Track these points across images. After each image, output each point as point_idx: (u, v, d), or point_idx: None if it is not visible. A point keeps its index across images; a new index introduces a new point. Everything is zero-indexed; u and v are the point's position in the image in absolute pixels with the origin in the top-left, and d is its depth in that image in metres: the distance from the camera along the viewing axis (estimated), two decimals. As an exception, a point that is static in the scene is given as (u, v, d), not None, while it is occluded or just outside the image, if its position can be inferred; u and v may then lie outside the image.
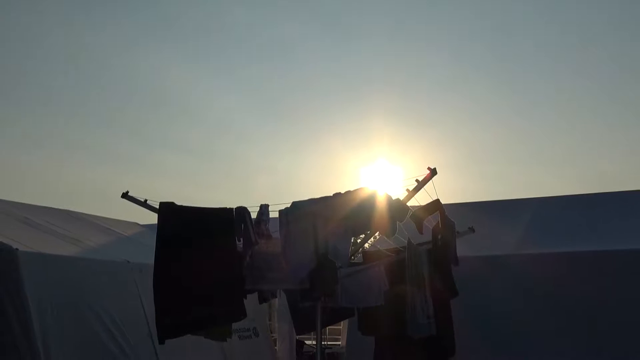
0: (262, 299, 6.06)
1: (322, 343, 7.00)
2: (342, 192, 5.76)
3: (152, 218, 5.85)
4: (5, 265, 5.98)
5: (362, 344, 7.07)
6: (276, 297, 6.77)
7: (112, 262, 7.47)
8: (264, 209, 5.88)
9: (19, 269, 5.98)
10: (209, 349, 7.57)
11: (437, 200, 6.05)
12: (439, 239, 6.18)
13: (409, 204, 5.95)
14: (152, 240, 5.62)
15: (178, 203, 5.72)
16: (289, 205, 5.68)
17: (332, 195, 5.77)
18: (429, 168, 5.86)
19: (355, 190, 5.75)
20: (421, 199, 6.05)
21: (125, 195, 5.94)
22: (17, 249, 6.07)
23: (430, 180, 5.90)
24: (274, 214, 5.79)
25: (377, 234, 6.35)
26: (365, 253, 7.00)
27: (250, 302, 5.90)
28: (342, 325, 10.46)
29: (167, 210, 5.66)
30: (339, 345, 10.90)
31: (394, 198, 5.78)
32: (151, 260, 5.56)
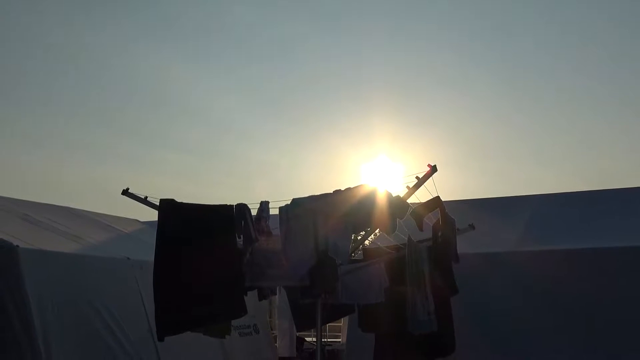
0: (262, 295, 6.07)
1: (323, 340, 7.01)
2: (343, 189, 5.76)
3: (153, 215, 5.86)
4: (6, 262, 5.98)
5: (362, 340, 7.07)
6: (275, 294, 6.79)
7: (112, 259, 7.47)
8: (264, 205, 5.88)
9: (19, 265, 5.98)
10: (209, 345, 7.58)
11: (438, 197, 6.05)
12: (439, 236, 6.18)
13: (410, 201, 5.95)
14: (152, 238, 5.62)
15: (178, 200, 5.72)
16: (289, 202, 5.68)
17: (332, 192, 5.76)
18: (429, 165, 5.87)
19: (355, 187, 5.75)
20: (421, 196, 6.06)
21: (125, 192, 5.94)
22: (17, 245, 6.07)
23: (431, 177, 5.91)
24: (274, 210, 5.79)
25: (377, 231, 6.34)
26: (365, 250, 6.99)
27: (251, 299, 5.90)
28: (343, 322, 10.48)
29: (167, 207, 5.66)
30: (339, 342, 10.91)
31: (394, 195, 5.78)
32: (151, 257, 5.56)
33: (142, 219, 10.69)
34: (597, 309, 7.44)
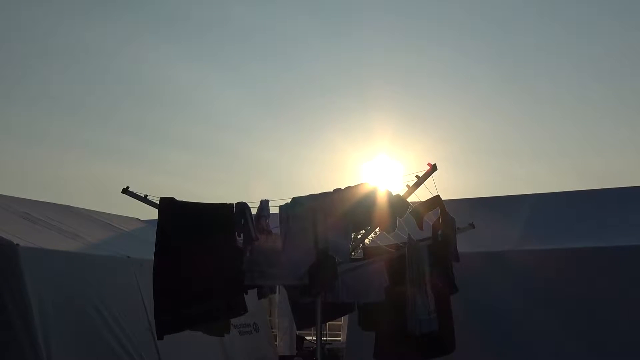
0: (261, 294, 6.07)
1: (323, 338, 7.01)
2: (343, 187, 5.76)
3: (153, 213, 5.86)
4: (6, 260, 5.99)
5: (362, 339, 7.07)
6: (275, 292, 6.79)
7: (112, 258, 7.48)
8: (264, 204, 5.88)
9: (19, 264, 5.99)
10: (209, 344, 7.59)
11: (437, 196, 6.05)
12: (439, 235, 6.18)
13: (410, 199, 5.95)
14: (152, 236, 5.62)
15: (178, 198, 5.72)
16: (289, 201, 5.68)
17: (332, 191, 5.76)
18: (429, 164, 5.87)
19: (355, 186, 5.75)
20: (421, 195, 6.06)
21: (125, 191, 5.94)
22: (17, 244, 6.08)
23: (431, 176, 5.91)
24: (274, 209, 5.79)
25: (377, 229, 6.35)
26: (365, 249, 6.99)
27: (251, 297, 5.91)
28: (343, 321, 10.48)
29: (167, 206, 5.66)
30: (340, 340, 10.92)
31: (394, 194, 5.78)
32: (152, 256, 5.56)
33: (142, 218, 10.71)
34: (598, 308, 7.42)
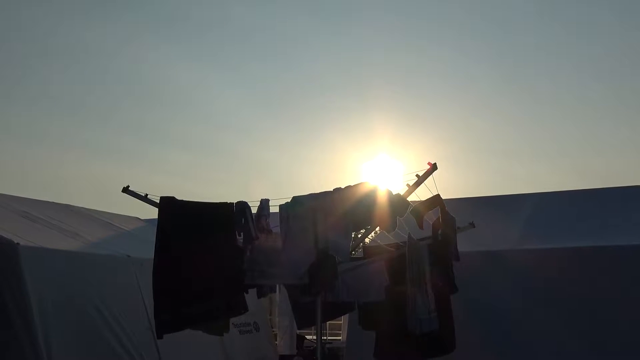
0: (261, 293, 6.07)
1: (323, 338, 7.01)
2: (343, 187, 5.75)
3: (153, 213, 5.86)
4: (6, 259, 5.99)
5: (362, 338, 7.07)
6: (275, 291, 6.78)
7: (113, 257, 7.48)
8: (264, 203, 5.88)
9: (19, 263, 5.99)
10: (209, 343, 7.59)
11: (438, 195, 6.05)
12: (439, 234, 6.18)
13: (410, 199, 5.95)
14: (152, 235, 5.62)
15: (178, 198, 5.72)
16: (289, 200, 5.68)
17: (332, 190, 5.76)
18: (429, 163, 5.86)
19: (355, 185, 5.75)
20: (422, 194, 6.06)
21: (125, 190, 5.94)
22: (18, 243, 6.08)
23: (431, 175, 5.90)
24: (274, 208, 5.79)
25: (377, 229, 6.35)
26: (365, 248, 6.99)
27: (251, 296, 5.91)
28: (343, 320, 10.48)
29: (167, 205, 5.66)
30: (340, 340, 10.92)
31: (394, 193, 5.78)
32: (152, 255, 5.56)
33: (142, 217, 10.70)
34: (599, 307, 7.41)
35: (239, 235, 5.68)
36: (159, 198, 5.74)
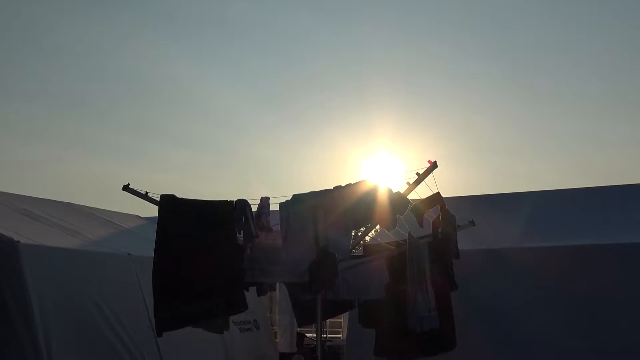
0: (261, 291, 6.07)
1: (323, 336, 7.02)
2: (343, 185, 5.75)
3: (153, 211, 5.86)
4: (7, 257, 5.99)
5: (362, 336, 7.07)
6: (275, 289, 6.78)
7: (113, 255, 7.48)
8: (264, 201, 5.88)
9: (20, 261, 5.99)
10: (209, 341, 7.59)
11: (438, 194, 6.05)
12: (439, 232, 6.18)
13: (410, 197, 5.94)
14: (153, 233, 5.62)
15: (179, 195, 5.72)
16: (289, 198, 5.68)
17: (332, 188, 5.76)
18: (429, 161, 5.86)
19: (355, 183, 5.75)
20: (422, 192, 6.05)
21: (126, 188, 5.94)
22: (18, 241, 6.08)
23: (431, 173, 5.90)
24: (274, 206, 5.79)
25: (377, 227, 6.35)
26: (365, 246, 6.99)
27: (251, 294, 5.91)
28: (343, 318, 10.48)
29: (167, 203, 5.66)
30: (340, 338, 10.92)
31: (394, 191, 5.78)
32: (152, 253, 5.56)
33: (142, 215, 10.70)
34: (599, 305, 7.40)
35: (239, 234, 5.68)
36: (159, 196, 5.74)
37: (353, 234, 6.10)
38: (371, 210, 5.67)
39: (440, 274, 6.19)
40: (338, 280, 5.84)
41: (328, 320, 9.59)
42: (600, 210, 8.56)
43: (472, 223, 6.84)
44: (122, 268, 7.39)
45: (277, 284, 7.27)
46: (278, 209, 5.66)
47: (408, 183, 5.92)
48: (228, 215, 5.65)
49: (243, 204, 5.69)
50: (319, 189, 5.77)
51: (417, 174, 5.90)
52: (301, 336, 10.81)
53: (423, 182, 5.92)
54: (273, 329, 10.72)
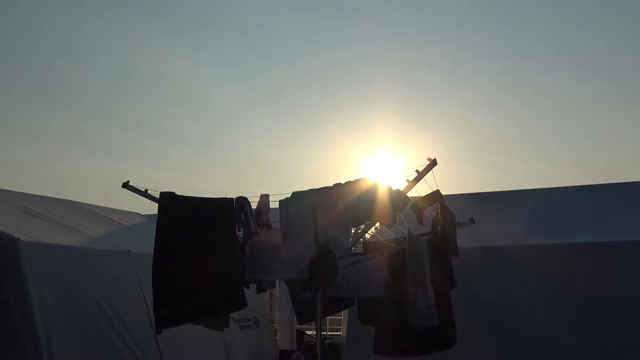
0: (260, 288, 6.08)
1: (323, 333, 7.02)
2: (343, 182, 5.76)
3: (153, 208, 5.87)
4: (7, 254, 5.99)
5: (362, 334, 7.08)
6: (274, 287, 6.78)
7: (113, 252, 7.49)
8: (264, 199, 5.88)
9: (20, 258, 5.99)
10: (209, 338, 7.59)
11: (437, 191, 6.05)
12: (439, 230, 6.18)
13: (409, 194, 5.95)
14: (153, 230, 5.63)
15: (178, 193, 5.72)
16: (289, 196, 5.68)
17: (332, 185, 5.77)
18: (429, 158, 5.86)
19: (355, 181, 5.75)
20: (421, 190, 6.06)
21: (126, 185, 5.95)
22: (18, 238, 6.08)
23: (431, 171, 5.90)
24: (274, 204, 5.79)
25: (377, 224, 6.35)
26: (365, 243, 7.00)
27: (251, 291, 5.92)
28: (343, 316, 10.49)
29: (167, 200, 5.67)
30: (340, 335, 10.93)
31: (394, 189, 5.78)
32: (152, 250, 5.57)
33: (142, 213, 10.71)
34: (599, 303, 7.39)
35: (239, 231, 5.68)
36: (159, 193, 5.74)
37: (353, 231, 6.10)
38: (371, 207, 5.68)
39: (439, 272, 6.19)
40: (338, 277, 5.85)
41: (328, 317, 9.59)
42: (600, 208, 8.56)
43: (472, 220, 6.84)
44: (122, 265, 7.40)
45: (277, 281, 7.27)
46: (278, 206, 5.66)
47: (408, 180, 5.92)
48: (228, 213, 5.65)
49: (243, 201, 5.69)
50: (318, 187, 5.78)
51: (417, 171, 5.90)
52: (301, 333, 10.81)
53: (423, 179, 5.93)
54: (273, 327, 10.73)
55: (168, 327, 5.49)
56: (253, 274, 5.74)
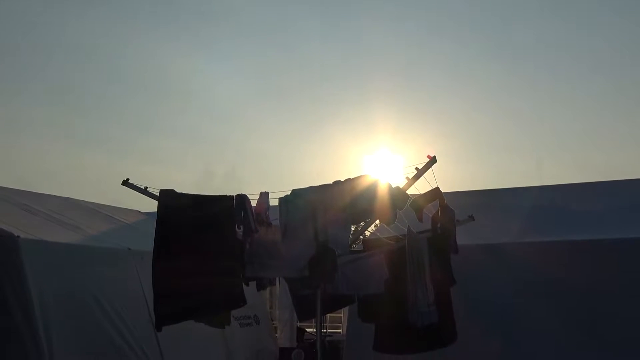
0: (260, 286, 6.08)
1: (323, 331, 7.03)
2: (342, 180, 5.76)
3: (153, 206, 5.87)
4: (7, 252, 6.00)
5: (362, 331, 7.08)
6: (274, 284, 6.78)
7: (113, 250, 7.50)
8: (264, 196, 5.88)
9: (20, 256, 6.00)
10: (209, 335, 7.61)
11: (437, 188, 6.05)
12: (439, 227, 6.18)
13: (409, 192, 5.95)
14: (153, 228, 5.63)
15: (178, 190, 5.72)
16: (289, 193, 5.68)
17: (332, 183, 5.77)
18: (428, 156, 5.86)
19: (355, 178, 5.75)
20: (421, 187, 6.06)
21: (125, 183, 5.94)
22: (18, 236, 6.08)
23: (430, 169, 5.90)
24: (274, 201, 5.79)
25: (377, 221, 6.35)
26: (365, 241, 7.00)
27: (251, 289, 5.92)
28: (343, 313, 10.50)
29: (167, 198, 5.67)
30: (340, 332, 10.94)
31: (393, 186, 5.78)
32: (152, 248, 5.57)
33: (142, 210, 10.72)
34: (598, 300, 7.40)
35: (239, 228, 5.68)
36: (158, 191, 5.74)
37: (352, 228, 6.10)
38: (371, 205, 5.68)
39: (439, 269, 6.19)
40: (337, 275, 5.85)
41: (328, 315, 9.60)
42: (598, 205, 8.57)
43: (472, 218, 6.84)
44: (122, 263, 7.41)
45: (277, 278, 7.29)
46: (277, 204, 5.66)
47: (407, 178, 5.92)
48: (228, 210, 5.65)
49: (242, 198, 5.69)
50: (318, 184, 5.78)
51: (417, 168, 5.90)
52: (301, 331, 10.83)
53: (422, 177, 5.92)
54: (273, 324, 10.74)
55: (168, 325, 5.50)
56: (253, 272, 5.74)
